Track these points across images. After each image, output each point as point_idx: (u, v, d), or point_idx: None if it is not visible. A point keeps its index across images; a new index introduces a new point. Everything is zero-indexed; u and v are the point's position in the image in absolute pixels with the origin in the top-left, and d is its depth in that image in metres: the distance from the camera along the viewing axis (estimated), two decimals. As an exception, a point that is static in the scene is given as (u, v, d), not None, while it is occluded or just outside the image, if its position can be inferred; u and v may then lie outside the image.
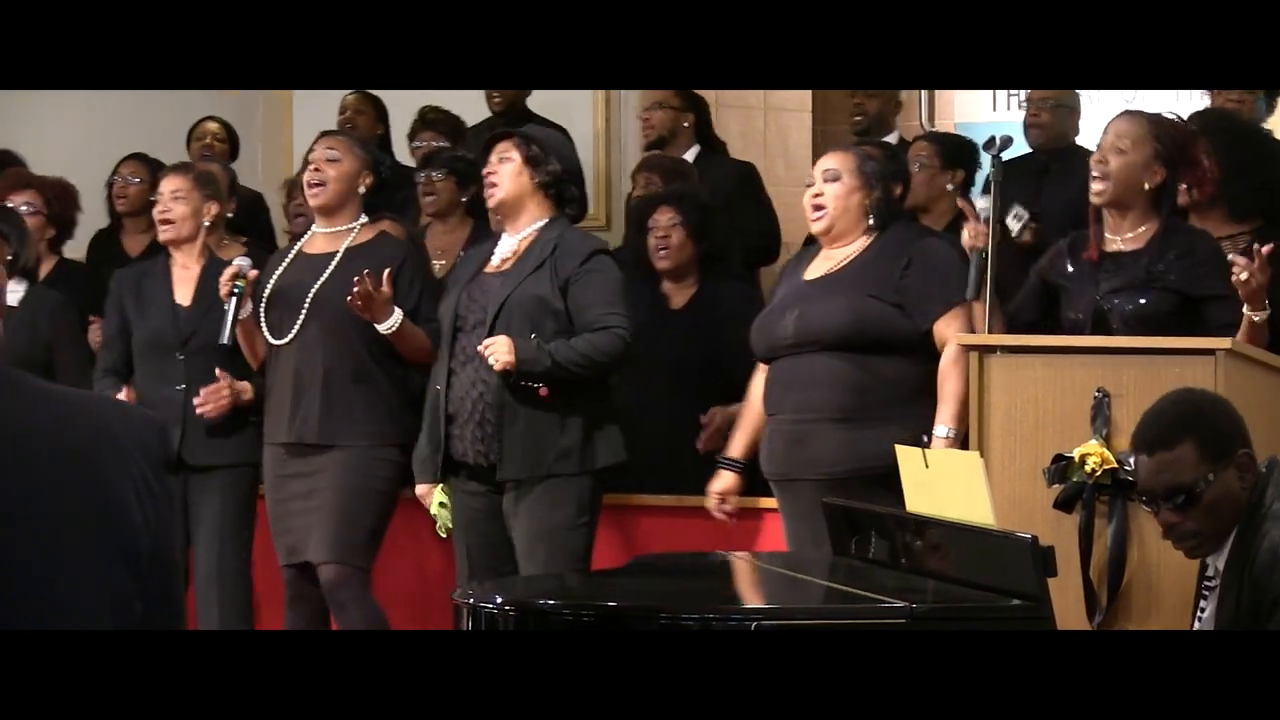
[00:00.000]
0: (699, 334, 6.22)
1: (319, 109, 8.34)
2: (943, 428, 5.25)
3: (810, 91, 9.06)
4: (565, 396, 5.50)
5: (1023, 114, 7.51)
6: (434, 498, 5.74)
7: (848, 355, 5.35)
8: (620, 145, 8.53)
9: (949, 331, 5.31)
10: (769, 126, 8.13)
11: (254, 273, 5.96)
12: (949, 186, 6.75)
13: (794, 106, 9.05)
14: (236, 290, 5.91)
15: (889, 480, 5.05)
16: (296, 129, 8.88)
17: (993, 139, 5.39)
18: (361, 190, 6.06)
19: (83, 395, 2.53)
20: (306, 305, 5.92)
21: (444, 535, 5.81)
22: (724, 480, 5.76)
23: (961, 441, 5.09)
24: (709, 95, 7.84)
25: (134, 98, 8.18)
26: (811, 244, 5.79)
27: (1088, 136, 7.40)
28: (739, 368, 5.97)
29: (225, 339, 5.91)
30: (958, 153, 6.85)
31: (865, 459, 5.24)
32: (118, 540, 2.35)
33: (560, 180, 5.68)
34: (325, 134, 6.23)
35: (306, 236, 6.13)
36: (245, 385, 6.09)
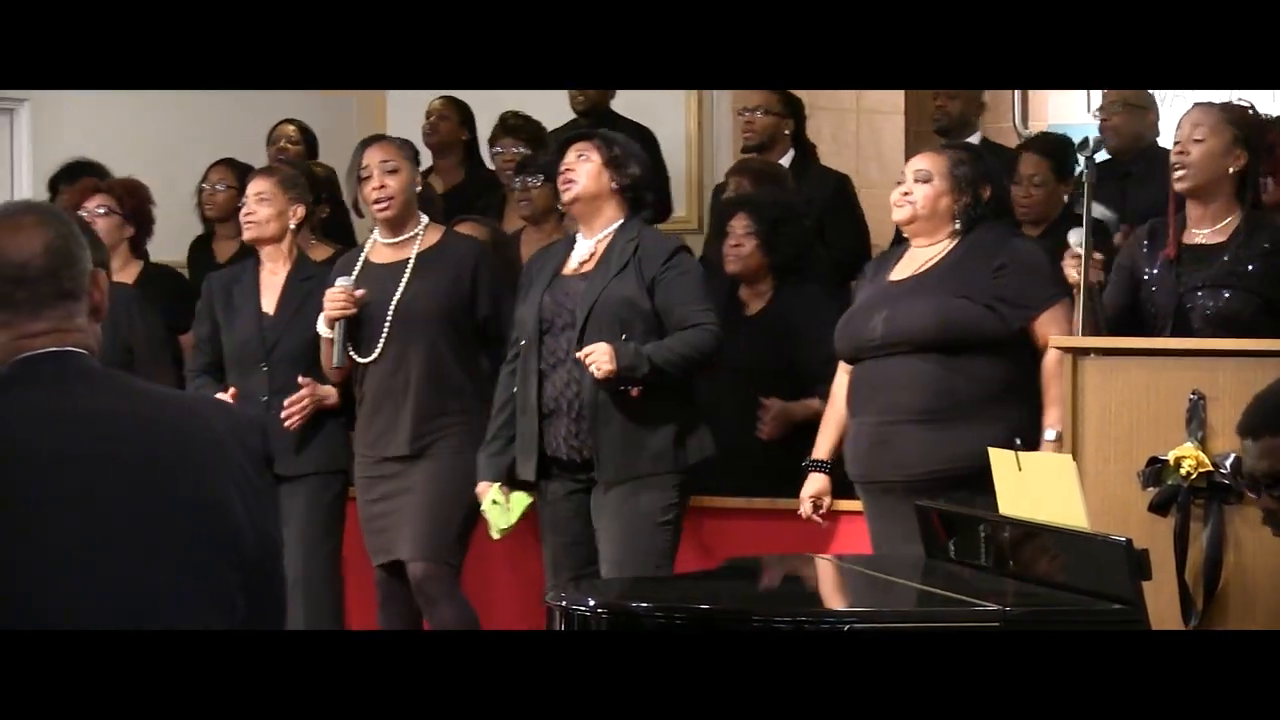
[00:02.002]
0: (771, 342, 6.21)
1: (413, 110, 8.36)
2: (1051, 431, 5.21)
3: (903, 93, 9.03)
4: (655, 396, 5.52)
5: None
6: (488, 496, 5.73)
7: (935, 356, 5.32)
8: (712, 147, 8.51)
9: (1052, 329, 5.27)
10: (862, 128, 8.11)
11: (360, 292, 5.91)
12: (1066, 199, 6.70)
13: (887, 109, 9.02)
14: (345, 312, 5.90)
15: (974, 482, 5.02)
16: (390, 131, 8.90)
17: (1086, 140, 5.37)
18: (418, 189, 6.07)
19: (185, 395, 2.57)
20: (389, 319, 5.92)
21: (495, 537, 5.79)
22: (815, 483, 5.74)
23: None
24: (802, 98, 7.80)
25: (226, 98, 8.19)
26: (898, 245, 5.77)
27: (1169, 137, 7.31)
28: (811, 376, 6.00)
29: (337, 362, 5.93)
30: (1069, 159, 6.75)
31: (950, 460, 5.23)
32: (221, 536, 2.37)
33: (638, 185, 5.69)
34: (370, 143, 6.10)
35: (369, 246, 6.08)
36: (329, 390, 6.07)
